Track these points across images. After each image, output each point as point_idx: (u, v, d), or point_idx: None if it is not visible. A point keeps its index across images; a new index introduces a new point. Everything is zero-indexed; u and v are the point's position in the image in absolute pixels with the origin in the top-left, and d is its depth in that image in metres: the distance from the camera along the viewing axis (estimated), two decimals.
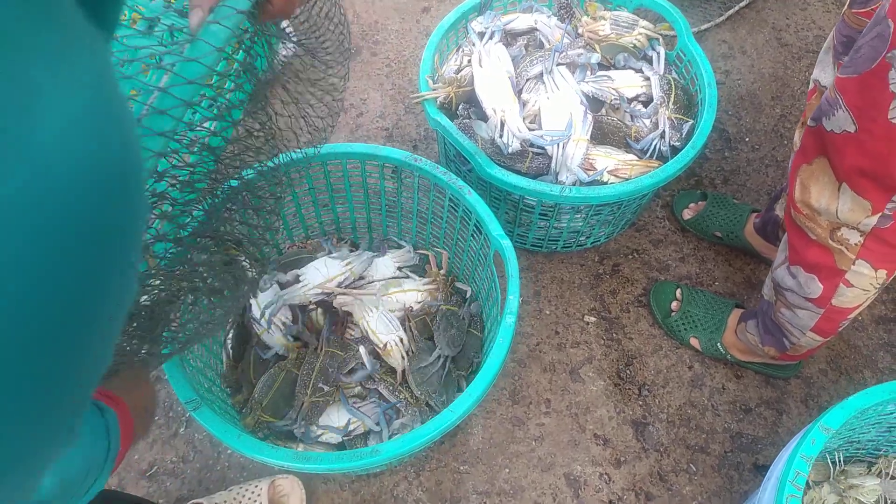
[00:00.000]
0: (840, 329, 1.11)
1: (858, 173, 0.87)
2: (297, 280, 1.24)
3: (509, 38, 1.44)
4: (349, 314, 1.21)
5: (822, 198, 0.94)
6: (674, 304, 1.38)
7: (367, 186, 1.29)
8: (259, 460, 0.93)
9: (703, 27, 1.86)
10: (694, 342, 1.34)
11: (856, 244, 0.94)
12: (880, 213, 0.89)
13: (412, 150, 1.62)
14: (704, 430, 1.27)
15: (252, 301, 1.21)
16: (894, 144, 0.81)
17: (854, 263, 0.96)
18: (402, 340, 1.17)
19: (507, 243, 1.10)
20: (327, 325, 1.20)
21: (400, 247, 1.36)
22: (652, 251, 1.48)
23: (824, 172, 0.93)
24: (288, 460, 0.92)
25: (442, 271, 1.31)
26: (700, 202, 1.50)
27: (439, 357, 1.17)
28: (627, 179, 1.22)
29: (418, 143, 1.64)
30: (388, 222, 1.38)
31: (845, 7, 1.07)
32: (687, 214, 1.51)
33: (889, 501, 1.01)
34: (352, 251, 1.36)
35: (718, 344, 1.32)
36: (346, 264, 1.27)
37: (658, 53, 1.40)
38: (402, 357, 1.15)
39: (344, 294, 1.23)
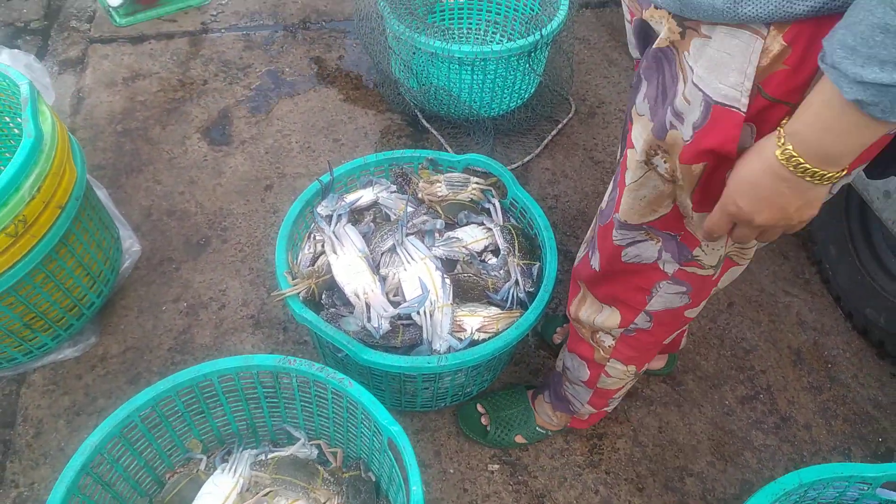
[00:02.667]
0: (610, 406, 1.32)
1: (611, 297, 1.06)
2: None
3: (356, 214, 1.50)
4: None
5: (586, 312, 1.13)
6: (483, 420, 1.45)
7: (245, 395, 1.26)
8: None
9: (526, 160, 2.05)
10: (519, 439, 1.43)
11: (609, 346, 1.13)
12: (626, 328, 1.08)
13: (282, 332, 1.62)
14: None
15: None
16: (625, 280, 1.01)
17: (608, 361, 1.16)
18: None
19: (396, 429, 1.10)
20: None
21: (295, 439, 1.32)
22: (534, 381, 1.55)
23: (585, 297, 1.13)
24: None
25: (337, 466, 1.28)
26: (565, 324, 1.61)
27: None
28: (496, 333, 1.29)
29: (287, 325, 1.63)
30: (273, 422, 1.34)
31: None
32: (557, 339, 1.60)
33: None
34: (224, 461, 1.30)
35: (537, 428, 1.43)
36: (237, 475, 1.21)
37: (494, 205, 1.52)
38: None
39: None
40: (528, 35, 1.88)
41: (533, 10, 2.15)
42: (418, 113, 2.14)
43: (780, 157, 0.65)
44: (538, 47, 1.92)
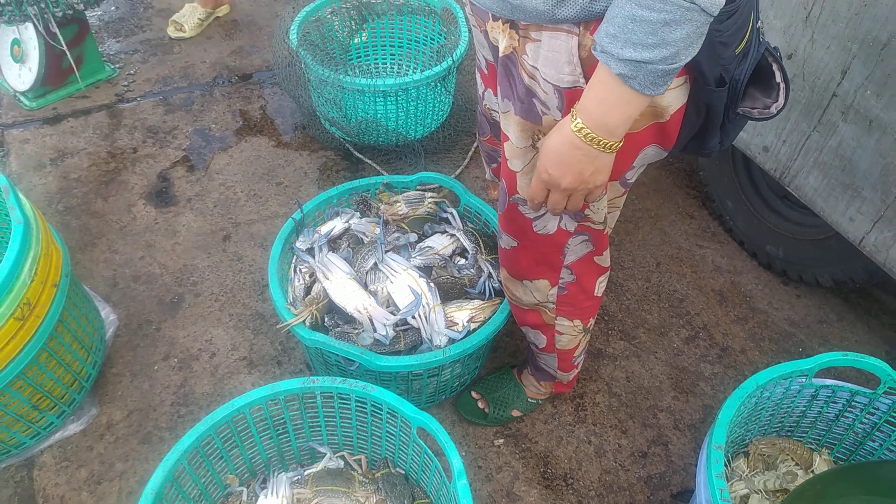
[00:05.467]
0: (576, 364, 1.49)
1: (534, 264, 1.26)
2: None
3: (331, 243, 1.64)
4: None
5: (518, 293, 1.34)
6: (480, 404, 1.62)
7: (273, 422, 1.36)
8: None
9: (457, 172, 2.26)
10: (516, 413, 1.61)
11: (552, 308, 1.32)
12: (557, 286, 1.28)
13: (277, 366, 1.72)
14: (625, 488, 1.52)
15: None
16: (541, 246, 1.20)
17: (556, 320, 1.35)
18: None
19: (424, 417, 1.26)
20: None
21: (320, 455, 1.44)
22: (514, 361, 1.74)
23: (508, 279, 1.34)
24: None
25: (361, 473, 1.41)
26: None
27: None
28: (485, 321, 1.47)
29: (280, 359, 1.73)
30: (298, 443, 1.45)
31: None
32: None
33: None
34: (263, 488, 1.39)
35: (529, 399, 1.61)
36: (280, 497, 1.32)
37: (452, 214, 1.70)
38: None
39: None
40: (441, 62, 2.10)
41: (437, 41, 2.37)
42: (350, 146, 2.30)
43: (573, 129, 0.88)
44: (450, 72, 2.14)
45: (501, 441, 1.59)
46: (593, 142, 0.87)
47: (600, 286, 1.31)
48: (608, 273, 1.31)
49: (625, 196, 1.18)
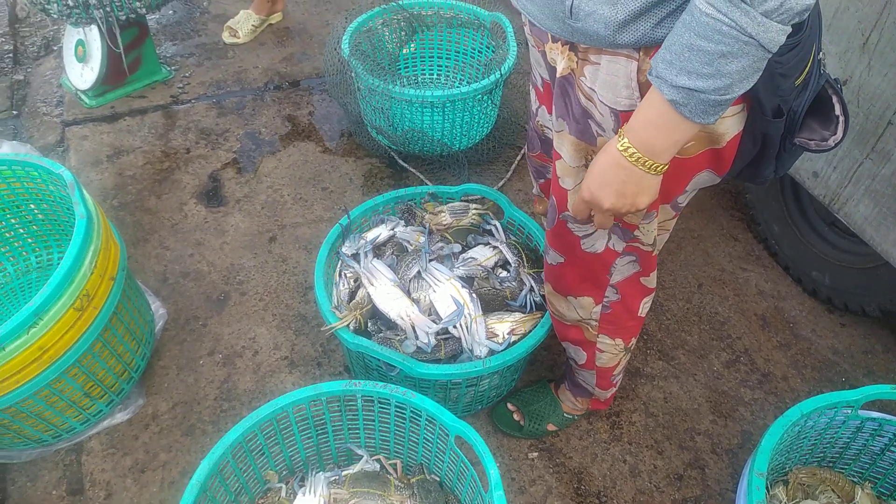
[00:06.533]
0: (615, 382, 1.50)
1: (580, 281, 1.27)
2: None
3: (376, 249, 1.67)
4: None
5: (562, 309, 1.35)
6: (516, 416, 1.62)
7: (314, 422, 1.39)
8: None
9: (499, 185, 2.28)
10: (551, 427, 1.61)
11: (595, 325, 1.33)
12: (601, 304, 1.28)
13: (317, 367, 1.75)
14: None
15: None
16: (588, 264, 1.21)
17: (598, 337, 1.35)
18: None
19: (463, 426, 1.27)
20: None
21: (356, 458, 1.46)
22: (551, 376, 1.74)
23: (552, 294, 1.35)
24: None
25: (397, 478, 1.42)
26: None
27: None
28: (525, 334, 1.48)
29: (321, 360, 1.77)
30: (336, 444, 1.47)
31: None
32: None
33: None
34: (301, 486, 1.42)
35: (565, 414, 1.61)
36: (318, 496, 1.34)
37: (495, 226, 1.72)
38: None
39: None
40: (489, 75, 2.12)
41: (485, 54, 2.39)
42: (394, 155, 2.33)
43: (619, 148, 0.89)
44: (498, 85, 2.17)
45: (535, 454, 1.60)
46: (638, 162, 0.88)
47: (644, 307, 1.32)
48: (653, 294, 1.31)
49: (675, 220, 1.18)
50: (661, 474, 1.57)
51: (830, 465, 1.44)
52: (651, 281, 1.26)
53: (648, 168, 0.88)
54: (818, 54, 0.95)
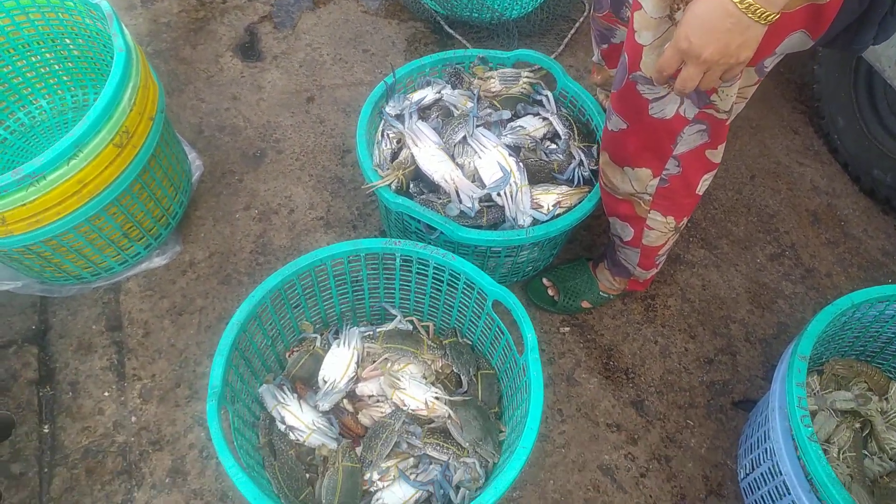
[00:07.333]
0: (657, 263, 1.46)
1: (641, 150, 1.19)
2: (321, 384, 1.31)
3: (421, 112, 1.60)
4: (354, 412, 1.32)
5: (615, 181, 1.29)
6: (550, 291, 1.61)
7: (351, 278, 1.39)
8: None
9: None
10: (585, 304, 1.60)
11: (648, 200, 1.27)
12: (659, 177, 1.22)
13: (352, 230, 1.74)
14: (685, 389, 1.52)
15: (283, 413, 1.27)
16: (652, 131, 1.13)
17: (649, 213, 1.30)
18: (437, 397, 1.29)
19: (503, 291, 1.26)
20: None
21: (389, 317, 1.47)
22: (589, 255, 1.72)
23: (608, 164, 1.28)
24: None
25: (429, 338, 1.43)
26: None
27: (477, 405, 1.30)
28: (571, 207, 1.44)
29: (356, 223, 1.75)
30: (371, 302, 1.48)
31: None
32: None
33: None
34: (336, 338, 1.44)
35: (601, 293, 1.59)
36: (352, 348, 1.36)
37: (547, 96, 1.63)
38: (446, 408, 1.27)
39: (368, 377, 1.32)
40: None
41: None
42: (440, 20, 2.20)
43: None
44: None
45: (567, 329, 1.60)
46: (749, 9, 0.79)
47: (704, 184, 1.25)
48: (715, 171, 1.24)
49: (756, 87, 1.09)
50: (691, 357, 1.57)
51: (868, 359, 1.42)
52: (717, 155, 1.19)
53: (759, 17, 0.80)
54: None
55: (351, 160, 1.86)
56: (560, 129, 1.56)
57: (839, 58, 1.86)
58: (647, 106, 1.10)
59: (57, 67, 1.67)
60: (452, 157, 1.49)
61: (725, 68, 0.88)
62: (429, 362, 1.39)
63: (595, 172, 1.51)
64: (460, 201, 1.41)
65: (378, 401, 1.35)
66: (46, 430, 1.38)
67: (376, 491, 1.25)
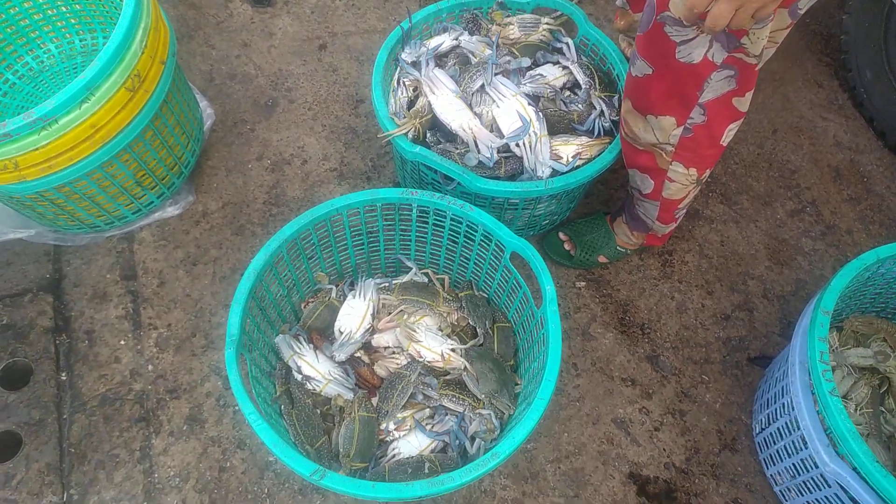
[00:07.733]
0: (677, 217, 1.44)
1: (666, 97, 1.15)
2: (337, 335, 1.31)
3: (438, 59, 1.56)
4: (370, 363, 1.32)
5: (637, 130, 1.25)
6: (566, 246, 1.59)
7: (367, 228, 1.37)
8: (397, 499, 1.01)
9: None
10: (602, 259, 1.58)
11: (671, 150, 1.24)
12: (683, 126, 1.18)
13: (366, 182, 1.71)
14: (701, 344, 1.51)
15: (300, 363, 1.27)
16: (679, 76, 1.10)
17: (671, 164, 1.27)
18: (453, 349, 1.28)
19: (521, 243, 1.24)
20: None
21: (406, 269, 1.46)
22: (606, 209, 1.69)
23: (630, 112, 1.25)
24: (423, 490, 1.02)
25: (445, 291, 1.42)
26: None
27: (494, 357, 1.30)
28: (590, 159, 1.40)
29: (370, 175, 1.72)
30: (387, 254, 1.47)
31: None
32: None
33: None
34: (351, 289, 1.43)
35: (618, 248, 1.57)
36: (367, 300, 1.35)
37: (567, 44, 1.58)
38: (462, 360, 1.26)
39: (384, 329, 1.32)
40: None
41: None
42: None
43: None
44: None
45: (583, 284, 1.58)
46: None
47: (729, 134, 1.22)
48: (741, 121, 1.21)
49: (788, 31, 1.05)
50: (707, 313, 1.55)
51: (889, 317, 1.41)
52: (744, 103, 1.15)
53: None
54: None
55: (364, 110, 1.83)
56: (581, 78, 1.52)
57: (871, 7, 1.79)
58: (674, 49, 1.06)
59: (65, 10, 1.63)
60: (470, 106, 1.46)
61: (759, 5, 0.84)
62: (444, 315, 1.38)
63: (616, 123, 1.47)
64: (478, 151, 1.38)
65: (394, 352, 1.35)
66: (64, 378, 1.39)
67: (392, 440, 1.26)
